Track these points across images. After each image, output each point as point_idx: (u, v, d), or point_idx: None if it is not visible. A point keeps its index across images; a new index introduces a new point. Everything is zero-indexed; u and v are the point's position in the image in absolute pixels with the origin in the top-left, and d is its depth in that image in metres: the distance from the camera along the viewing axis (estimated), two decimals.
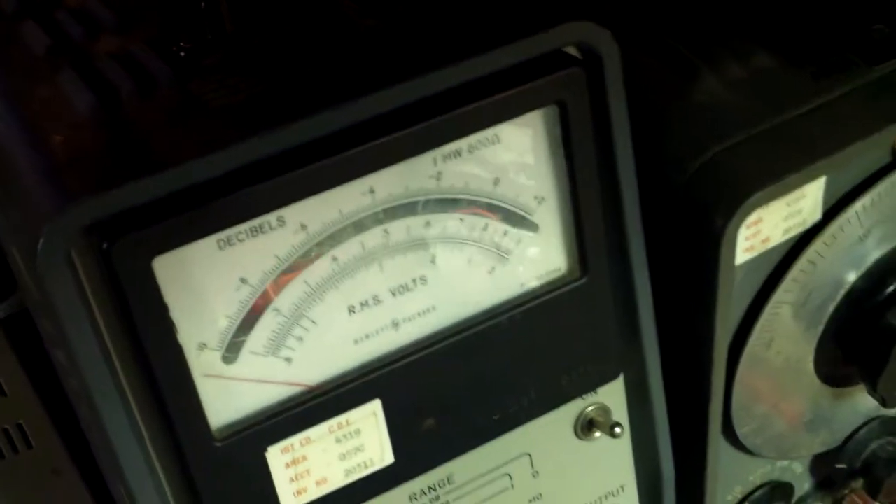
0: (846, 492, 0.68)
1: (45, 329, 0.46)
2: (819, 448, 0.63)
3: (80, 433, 0.48)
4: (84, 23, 0.49)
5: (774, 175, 0.47)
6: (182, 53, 0.45)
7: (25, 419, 0.54)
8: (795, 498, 0.67)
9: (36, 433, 0.54)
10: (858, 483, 0.67)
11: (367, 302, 0.44)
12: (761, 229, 0.49)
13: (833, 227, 0.51)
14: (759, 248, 0.50)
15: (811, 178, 0.48)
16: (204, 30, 0.45)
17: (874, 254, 0.54)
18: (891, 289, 0.55)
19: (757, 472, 0.63)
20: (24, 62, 0.49)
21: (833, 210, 0.51)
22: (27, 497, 0.55)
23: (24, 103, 0.45)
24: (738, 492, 0.63)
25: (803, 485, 0.67)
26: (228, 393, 0.42)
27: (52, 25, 0.50)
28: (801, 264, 0.51)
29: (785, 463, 0.64)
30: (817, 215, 0.51)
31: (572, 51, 0.44)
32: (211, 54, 0.44)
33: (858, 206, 0.51)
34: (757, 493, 0.64)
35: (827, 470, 0.66)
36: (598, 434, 0.53)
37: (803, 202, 0.50)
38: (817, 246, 0.51)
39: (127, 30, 0.49)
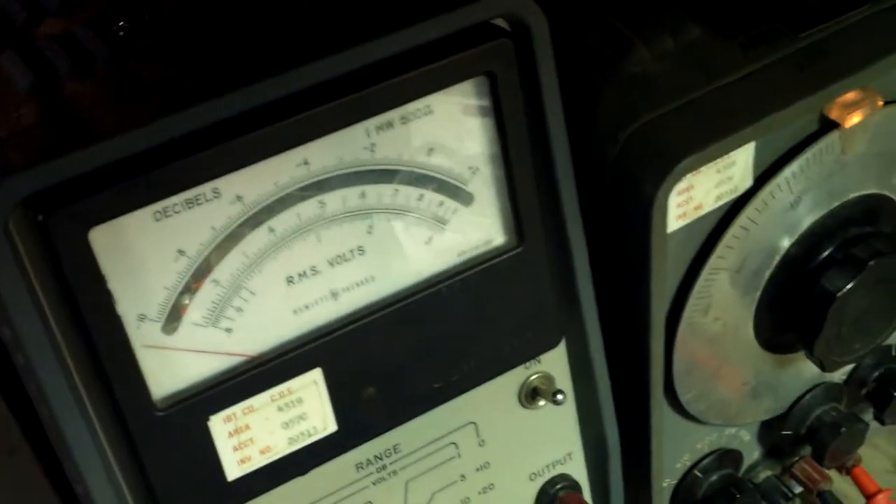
0: (795, 459, 0.70)
1: None
2: (764, 415, 0.65)
3: (34, 412, 0.48)
4: (28, 7, 0.50)
5: (703, 141, 0.48)
6: (121, 33, 0.45)
7: None
8: (745, 466, 0.68)
9: None
10: (807, 450, 0.69)
11: (305, 272, 0.45)
12: (693, 196, 0.50)
13: (764, 194, 0.52)
14: (692, 216, 0.51)
15: (739, 144, 0.49)
16: (142, 10, 0.46)
17: (806, 220, 0.55)
18: (824, 254, 0.56)
19: (704, 440, 0.64)
20: None
21: (764, 177, 0.52)
22: None
23: None
24: (687, 459, 0.64)
25: (752, 453, 0.68)
26: (170, 363, 0.43)
27: None
28: (734, 230, 0.52)
29: (732, 430, 0.65)
30: (748, 182, 0.52)
31: (502, 23, 0.45)
32: (149, 34, 0.45)
33: (788, 172, 0.52)
34: (705, 461, 0.65)
35: (774, 437, 0.68)
36: (542, 402, 0.55)
37: (734, 169, 0.51)
38: (749, 212, 0.52)
39: (69, 13, 0.50)
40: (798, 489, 0.70)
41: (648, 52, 0.52)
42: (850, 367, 0.68)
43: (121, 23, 0.46)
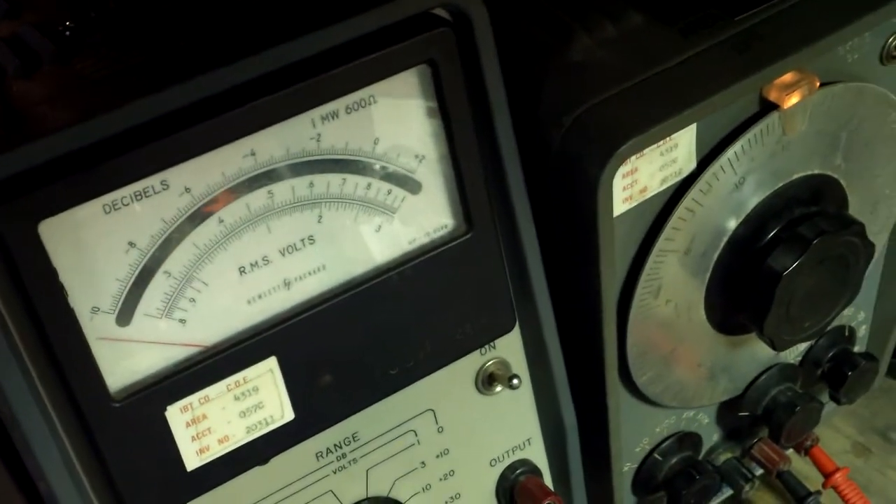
0: (754, 440, 0.71)
1: None
2: (720, 396, 0.66)
3: None
4: None
5: (645, 124, 0.49)
6: (67, 32, 0.46)
7: None
8: (705, 448, 0.69)
9: None
10: (765, 431, 0.70)
11: (256, 262, 0.45)
12: (638, 179, 0.51)
13: (707, 175, 0.53)
14: (638, 198, 0.52)
15: (681, 125, 0.50)
16: (87, 8, 0.47)
17: (752, 200, 0.56)
18: (770, 234, 0.57)
19: (663, 423, 0.65)
20: None
21: (707, 159, 0.53)
22: None
23: None
24: (646, 443, 0.65)
25: (711, 435, 0.69)
26: (125, 355, 0.44)
27: None
28: (680, 212, 0.53)
29: (691, 413, 0.66)
30: (692, 164, 0.53)
31: (443, 13, 0.46)
32: (95, 32, 0.46)
33: (730, 153, 0.53)
34: (665, 444, 0.66)
35: (733, 420, 0.69)
36: (499, 388, 0.56)
37: (677, 151, 0.52)
38: (694, 194, 0.53)
39: (17, 15, 0.50)
40: (758, 471, 0.71)
41: (590, 39, 0.53)
42: (804, 347, 0.69)
43: (67, 22, 0.47)
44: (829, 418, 0.74)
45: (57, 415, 0.44)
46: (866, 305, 0.72)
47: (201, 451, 0.46)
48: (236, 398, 0.46)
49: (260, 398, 0.47)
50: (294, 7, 0.45)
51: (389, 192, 0.47)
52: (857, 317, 0.72)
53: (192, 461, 0.46)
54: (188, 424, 0.46)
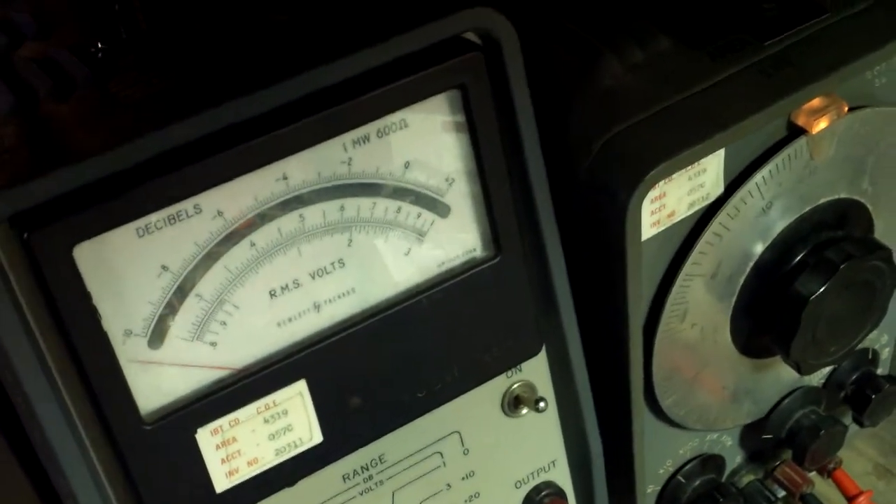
0: (777, 463, 0.70)
1: None
2: (744, 419, 0.66)
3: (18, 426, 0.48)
4: (6, 32, 0.51)
5: (674, 149, 0.49)
6: (99, 55, 0.47)
7: None
8: (728, 471, 0.69)
9: None
10: (788, 454, 0.70)
11: (287, 286, 0.46)
12: (666, 203, 0.51)
13: (735, 200, 0.53)
14: (666, 223, 0.52)
15: (709, 150, 0.50)
16: (119, 30, 0.47)
17: (778, 225, 0.56)
18: (797, 258, 0.57)
19: (687, 446, 0.65)
20: None
21: (735, 183, 0.53)
22: None
23: None
24: (670, 465, 0.65)
25: (735, 457, 0.69)
26: (156, 377, 0.44)
27: None
28: (707, 237, 0.53)
29: (714, 436, 0.66)
30: (720, 188, 0.53)
31: (472, 37, 0.46)
32: (127, 53, 0.46)
33: (758, 178, 0.53)
34: (688, 467, 0.66)
35: (756, 442, 0.69)
36: (525, 410, 0.56)
37: (705, 176, 0.52)
38: (721, 218, 0.53)
39: (48, 36, 0.51)
40: (781, 493, 0.71)
41: (619, 63, 0.53)
42: (828, 370, 0.69)
43: (99, 44, 0.47)
44: (850, 440, 0.74)
45: (88, 437, 0.44)
46: (889, 328, 0.72)
47: (230, 473, 0.46)
48: (266, 421, 0.46)
49: (289, 421, 0.47)
50: (327, 32, 0.45)
51: (419, 215, 0.48)
52: (881, 339, 0.71)
53: (221, 483, 0.46)
54: (218, 447, 0.46)
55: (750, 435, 0.68)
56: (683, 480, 0.66)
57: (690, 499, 0.66)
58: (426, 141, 0.47)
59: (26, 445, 0.48)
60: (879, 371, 0.72)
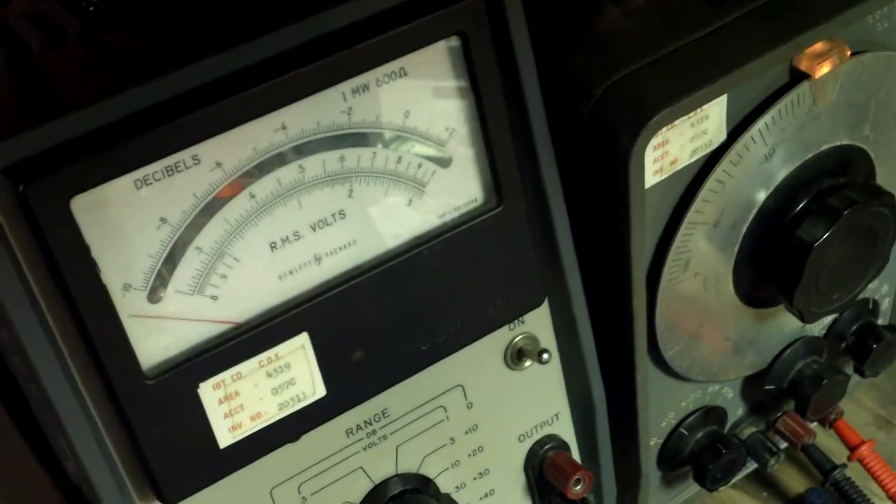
0: (778, 414, 0.70)
1: None
2: (746, 370, 0.65)
3: (14, 387, 0.48)
4: None
5: (676, 95, 0.48)
6: (91, 8, 0.46)
7: None
8: (730, 423, 0.69)
9: None
10: (790, 405, 0.70)
11: (287, 238, 0.45)
12: (668, 151, 0.51)
13: (738, 146, 0.53)
14: (669, 171, 0.52)
15: (712, 96, 0.50)
16: None
17: (781, 172, 0.56)
18: (800, 206, 0.57)
19: (689, 398, 0.65)
20: None
21: (737, 130, 0.53)
22: None
23: None
24: (672, 417, 0.65)
25: (736, 409, 0.69)
26: (157, 332, 0.43)
27: None
28: (710, 184, 0.53)
29: (716, 388, 0.66)
30: (722, 135, 0.53)
31: None
32: (119, 7, 0.45)
33: (760, 124, 0.53)
34: (690, 419, 0.66)
35: (758, 393, 0.68)
36: (528, 363, 0.55)
37: (707, 122, 0.51)
38: (724, 165, 0.53)
39: None
40: (783, 444, 0.71)
41: (618, 9, 0.53)
42: (829, 320, 0.69)
43: None
44: (851, 392, 0.74)
45: (89, 393, 0.44)
46: (890, 278, 0.71)
47: (233, 428, 0.46)
48: (268, 375, 0.46)
49: (292, 374, 0.47)
50: None
51: (420, 165, 0.47)
52: (881, 289, 0.71)
53: (224, 438, 0.46)
54: (221, 401, 0.45)
55: (751, 387, 0.68)
56: (686, 432, 0.65)
57: (693, 451, 0.66)
58: (426, 89, 0.46)
59: (25, 412, 0.47)
60: (880, 321, 0.72)
